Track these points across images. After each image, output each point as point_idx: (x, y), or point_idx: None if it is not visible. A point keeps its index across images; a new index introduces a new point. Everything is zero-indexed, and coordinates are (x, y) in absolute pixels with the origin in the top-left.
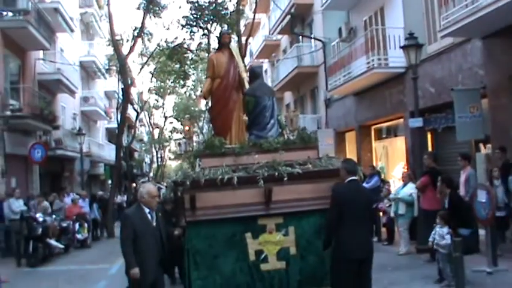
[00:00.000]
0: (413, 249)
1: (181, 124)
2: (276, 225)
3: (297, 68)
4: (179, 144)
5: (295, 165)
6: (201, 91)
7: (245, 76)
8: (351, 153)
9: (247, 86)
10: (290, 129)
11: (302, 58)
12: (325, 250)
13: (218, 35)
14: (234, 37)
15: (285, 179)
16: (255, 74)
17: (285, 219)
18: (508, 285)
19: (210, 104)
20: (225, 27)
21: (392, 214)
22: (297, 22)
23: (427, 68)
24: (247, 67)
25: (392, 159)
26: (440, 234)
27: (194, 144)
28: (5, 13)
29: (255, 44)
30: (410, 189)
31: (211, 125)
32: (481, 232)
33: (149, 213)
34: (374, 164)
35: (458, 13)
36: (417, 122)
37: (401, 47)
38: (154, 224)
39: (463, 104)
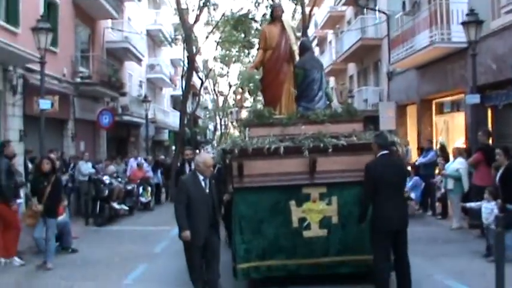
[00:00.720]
0: (465, 224)
1: (233, 93)
2: (319, 194)
3: (361, 39)
4: (231, 112)
5: (340, 138)
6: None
7: (296, 49)
8: (411, 126)
9: (297, 58)
10: (340, 101)
11: (366, 30)
12: (361, 223)
13: (271, 8)
14: (298, 8)
15: (330, 150)
16: (305, 47)
17: (328, 189)
18: None
19: (261, 74)
20: None
21: (442, 190)
22: None
23: (489, 43)
24: (300, 40)
25: (452, 134)
26: (488, 210)
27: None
28: None
29: (320, 14)
30: (458, 164)
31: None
32: None
33: (203, 180)
34: (434, 138)
35: None
36: (474, 99)
37: (461, 23)
38: (207, 190)
39: None
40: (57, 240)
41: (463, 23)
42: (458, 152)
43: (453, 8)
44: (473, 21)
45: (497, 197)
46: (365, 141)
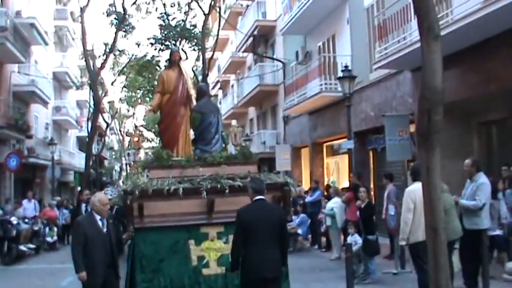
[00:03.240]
0: (343, 255)
1: (129, 135)
2: (217, 233)
3: (259, 86)
4: (128, 154)
5: (236, 179)
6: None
7: (193, 93)
8: (305, 167)
9: (194, 102)
10: (234, 143)
11: (264, 77)
12: (233, 272)
13: (169, 53)
14: (199, 54)
15: (227, 191)
16: (202, 91)
17: (225, 228)
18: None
19: (159, 118)
20: (179, 47)
21: (324, 226)
22: (261, 42)
23: (369, 93)
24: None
25: (342, 174)
26: (352, 241)
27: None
28: None
29: (223, 59)
30: (333, 203)
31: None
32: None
33: (100, 219)
34: (326, 178)
35: (391, 48)
36: (349, 144)
37: (337, 78)
38: (104, 230)
39: (393, 128)
40: None
41: (339, 78)
42: (334, 192)
43: (338, 60)
44: (347, 76)
45: (359, 229)
46: None
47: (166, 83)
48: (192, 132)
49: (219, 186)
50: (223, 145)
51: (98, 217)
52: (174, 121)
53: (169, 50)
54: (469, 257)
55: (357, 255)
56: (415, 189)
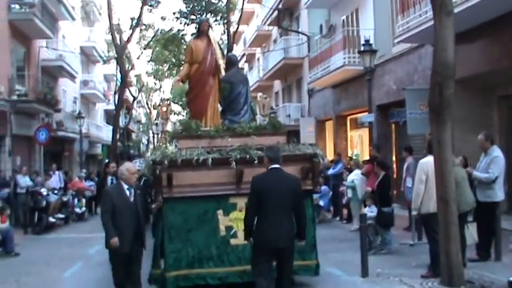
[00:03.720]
0: None
1: (158, 106)
2: (245, 203)
3: (284, 59)
4: (156, 124)
5: (265, 149)
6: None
7: (222, 63)
8: (329, 140)
9: (223, 72)
10: (262, 113)
11: (289, 50)
12: (246, 240)
13: (197, 23)
14: (223, 28)
15: (256, 161)
16: (231, 61)
17: None
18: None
19: (187, 88)
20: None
21: (346, 197)
22: (286, 15)
23: (391, 66)
24: (226, 56)
25: (366, 147)
26: (368, 212)
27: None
28: (12, 6)
29: (249, 33)
30: (354, 175)
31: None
32: None
33: (128, 189)
34: (350, 151)
35: (413, 22)
36: (369, 118)
37: (358, 52)
38: (132, 199)
39: (414, 102)
40: (0, 245)
41: (360, 52)
42: (355, 165)
43: (362, 33)
44: (367, 50)
45: (375, 200)
46: (288, 153)
47: (195, 53)
48: (220, 103)
49: (248, 156)
50: (252, 116)
51: (125, 186)
52: (203, 91)
53: (197, 21)
54: (482, 229)
55: (374, 227)
56: (428, 161)
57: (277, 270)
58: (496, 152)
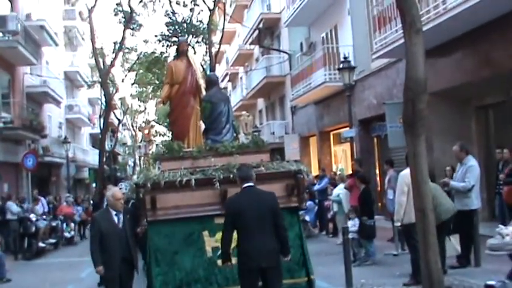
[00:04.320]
0: None
1: (140, 128)
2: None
3: (266, 77)
4: (139, 147)
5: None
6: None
7: (202, 83)
8: (314, 156)
9: (204, 92)
10: (245, 132)
11: (271, 68)
12: (223, 263)
13: (177, 43)
14: (205, 47)
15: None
16: (211, 81)
17: None
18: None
19: (169, 110)
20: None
21: (331, 212)
22: (267, 34)
23: (371, 81)
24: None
25: (350, 161)
26: (351, 225)
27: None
28: None
29: (231, 52)
30: (339, 189)
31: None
32: None
33: (116, 215)
34: (334, 166)
35: (389, 37)
36: (350, 133)
37: (337, 69)
38: (120, 225)
39: (394, 115)
40: None
41: (339, 69)
42: (339, 179)
43: (341, 50)
44: (346, 67)
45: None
46: (272, 171)
47: (175, 74)
48: (202, 123)
49: (231, 176)
50: (235, 134)
51: (113, 212)
52: (184, 112)
53: (176, 40)
54: (461, 236)
55: (357, 240)
56: (407, 173)
57: None
58: (471, 161)
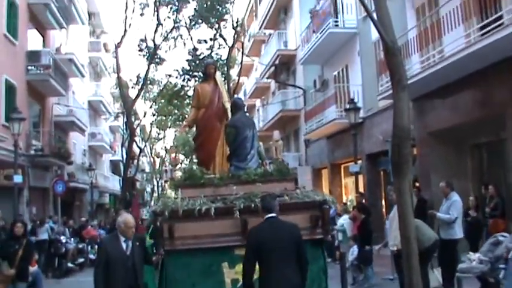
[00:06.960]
0: None
1: (167, 151)
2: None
3: (281, 111)
4: (165, 171)
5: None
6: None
7: (229, 106)
8: (325, 187)
9: (230, 116)
10: (275, 157)
11: (286, 102)
12: None
13: (204, 66)
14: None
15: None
16: (237, 105)
17: None
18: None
19: (195, 133)
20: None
21: (337, 241)
22: (283, 69)
23: (378, 119)
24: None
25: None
26: (351, 251)
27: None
28: (30, 67)
29: (249, 84)
30: (343, 220)
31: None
32: None
33: (125, 241)
34: (344, 197)
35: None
36: (355, 168)
37: (344, 110)
38: (128, 253)
39: None
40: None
41: (346, 110)
42: (343, 210)
43: (351, 89)
44: (352, 108)
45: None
46: (297, 200)
47: (202, 97)
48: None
49: (252, 205)
50: (260, 161)
51: (122, 238)
52: (210, 136)
53: (204, 63)
54: (446, 263)
55: (357, 265)
56: None
57: None
58: (455, 196)
